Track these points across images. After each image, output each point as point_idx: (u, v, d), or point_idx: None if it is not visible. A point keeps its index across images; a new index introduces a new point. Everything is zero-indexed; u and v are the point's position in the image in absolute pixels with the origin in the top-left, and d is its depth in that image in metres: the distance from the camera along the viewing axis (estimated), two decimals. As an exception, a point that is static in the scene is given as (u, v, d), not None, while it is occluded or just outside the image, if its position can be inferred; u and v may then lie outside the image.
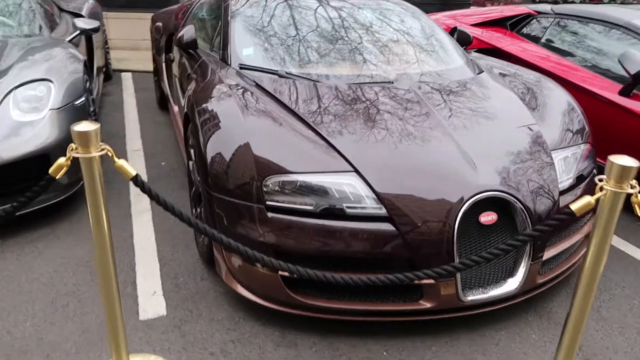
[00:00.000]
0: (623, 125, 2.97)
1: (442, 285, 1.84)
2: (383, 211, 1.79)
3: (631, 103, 2.96)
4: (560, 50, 3.65)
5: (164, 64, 3.99)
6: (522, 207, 1.87)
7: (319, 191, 1.81)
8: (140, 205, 2.83)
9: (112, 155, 1.35)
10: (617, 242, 2.75)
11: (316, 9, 2.92)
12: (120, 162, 1.37)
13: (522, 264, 1.94)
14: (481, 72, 2.72)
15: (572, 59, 3.51)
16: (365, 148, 1.93)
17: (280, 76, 2.37)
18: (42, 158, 2.46)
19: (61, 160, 1.32)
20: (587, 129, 2.41)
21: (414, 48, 2.80)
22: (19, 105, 2.52)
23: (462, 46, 3.24)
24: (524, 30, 4.06)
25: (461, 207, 1.80)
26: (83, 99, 2.76)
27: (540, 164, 2.05)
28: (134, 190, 2.99)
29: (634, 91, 2.96)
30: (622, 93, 3.01)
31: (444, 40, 3.00)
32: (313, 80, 2.34)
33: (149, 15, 5.19)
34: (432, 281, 1.82)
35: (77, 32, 3.59)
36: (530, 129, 2.22)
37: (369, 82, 2.38)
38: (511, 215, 1.89)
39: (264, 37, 2.69)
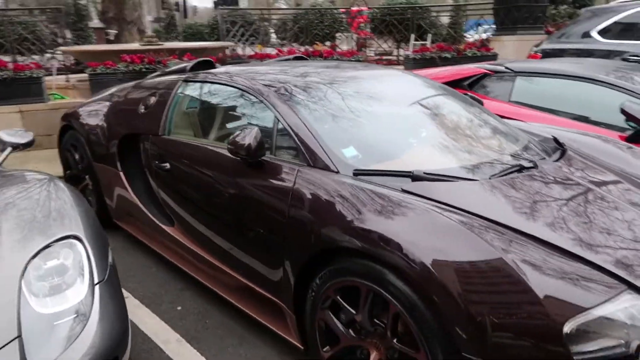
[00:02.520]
0: None
1: None
2: None
3: (642, 148, 3.20)
4: (536, 105, 3.84)
5: (125, 176, 3.12)
6: None
7: (619, 325, 1.44)
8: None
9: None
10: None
11: (384, 90, 2.55)
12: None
13: None
14: (555, 138, 2.64)
15: (555, 112, 3.72)
16: (616, 250, 1.63)
17: (415, 178, 1.91)
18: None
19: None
20: None
21: (485, 127, 2.59)
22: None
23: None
24: (484, 90, 4.21)
25: None
26: None
27: None
28: None
29: (642, 137, 3.21)
30: (629, 139, 3.23)
31: (489, 114, 2.87)
32: (458, 178, 1.94)
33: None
34: None
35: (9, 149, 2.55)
36: None
37: (509, 171, 2.07)
38: None
39: (350, 130, 2.23)
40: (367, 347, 1.76)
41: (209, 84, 2.80)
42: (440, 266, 1.49)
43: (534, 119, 3.68)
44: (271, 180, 2.08)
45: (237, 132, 2.12)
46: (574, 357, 1.37)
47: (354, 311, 1.76)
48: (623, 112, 3.24)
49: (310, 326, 1.93)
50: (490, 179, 1.99)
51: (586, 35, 5.91)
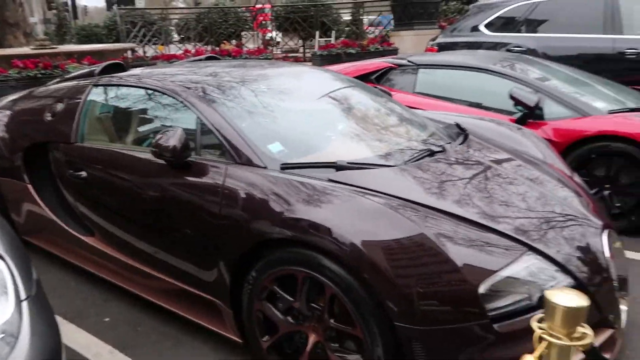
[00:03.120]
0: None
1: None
2: (570, 280, 1.76)
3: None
4: (439, 95, 4.15)
5: (34, 189, 2.95)
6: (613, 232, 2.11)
7: (522, 282, 1.66)
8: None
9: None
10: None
11: (302, 85, 2.65)
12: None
13: None
14: (458, 124, 2.90)
15: (455, 100, 4.05)
16: (513, 219, 1.87)
17: (339, 168, 2.04)
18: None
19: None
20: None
21: (406, 116, 2.79)
22: None
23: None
24: (390, 83, 4.46)
25: (604, 250, 1.92)
26: None
27: (588, 194, 2.35)
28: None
29: (528, 120, 3.61)
30: (518, 122, 3.62)
31: (398, 104, 3.08)
32: (377, 165, 2.10)
33: None
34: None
35: None
36: (558, 168, 2.51)
37: (421, 156, 2.26)
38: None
39: (274, 125, 2.31)
40: (305, 331, 1.86)
41: (123, 88, 2.73)
42: (368, 246, 1.62)
43: (436, 108, 3.98)
44: (199, 181, 2.10)
45: (160, 135, 2.11)
46: (489, 314, 1.56)
47: (291, 298, 1.84)
48: (512, 97, 3.62)
49: (248, 319, 1.98)
50: (405, 164, 2.16)
51: (475, 29, 6.44)
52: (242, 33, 10.30)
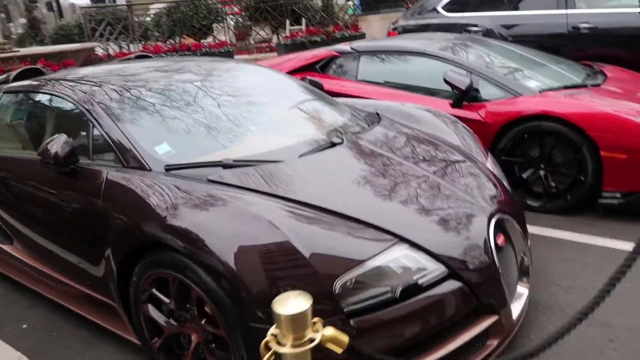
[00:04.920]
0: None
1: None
2: (444, 269, 1.75)
3: (464, 112, 3.56)
4: (380, 82, 4.12)
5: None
6: (510, 218, 2.09)
7: (387, 275, 1.65)
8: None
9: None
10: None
11: (199, 81, 2.61)
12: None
13: None
14: (374, 116, 2.87)
15: (395, 86, 4.01)
16: (389, 211, 1.86)
17: (226, 166, 2.03)
18: None
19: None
20: (473, 133, 2.84)
21: (312, 106, 2.77)
22: None
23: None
24: (334, 71, 4.43)
25: (489, 237, 1.91)
26: None
27: (494, 178, 2.32)
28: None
29: (464, 102, 3.58)
30: (454, 105, 3.59)
31: (320, 93, 3.05)
32: (266, 162, 2.08)
33: None
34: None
35: None
36: (468, 154, 2.48)
37: (318, 148, 2.25)
38: (505, 231, 2.09)
39: (165, 126, 2.27)
40: (188, 332, 1.86)
41: (31, 94, 2.72)
42: (225, 249, 1.61)
43: (378, 95, 3.95)
44: (83, 186, 2.10)
45: (46, 142, 2.10)
46: (345, 309, 1.56)
47: (168, 300, 1.84)
48: (445, 80, 3.59)
49: (137, 320, 1.99)
50: (298, 158, 2.15)
51: (433, 10, 6.36)
52: (213, 25, 10.23)
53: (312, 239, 1.64)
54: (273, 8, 9.77)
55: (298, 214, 1.74)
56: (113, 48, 8.73)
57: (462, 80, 3.49)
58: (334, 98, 3.42)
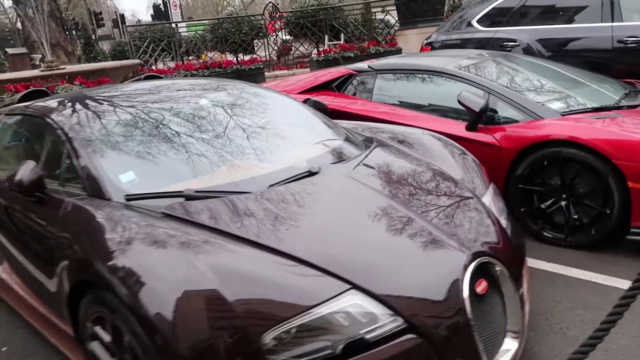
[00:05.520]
0: (477, 155, 3.28)
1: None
2: (400, 321, 1.56)
3: (479, 135, 3.31)
4: (395, 102, 3.93)
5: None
6: (499, 262, 1.86)
7: (329, 328, 1.48)
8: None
9: None
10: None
11: (171, 106, 2.53)
12: None
13: None
14: (370, 141, 2.69)
15: (410, 107, 3.81)
16: (348, 254, 1.68)
17: (188, 198, 1.93)
18: None
19: None
20: (480, 164, 2.59)
21: (299, 131, 2.64)
22: None
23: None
24: (351, 90, 4.28)
25: (463, 285, 1.69)
26: None
27: (486, 216, 2.09)
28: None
29: (479, 125, 3.33)
30: (469, 128, 3.35)
31: (314, 115, 2.91)
32: (231, 193, 1.97)
33: None
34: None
35: None
36: (458, 185, 2.26)
37: (292, 178, 2.11)
38: (490, 276, 1.85)
39: (136, 153, 2.21)
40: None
41: (26, 117, 2.75)
42: (155, 296, 1.49)
43: (391, 116, 3.76)
44: (45, 215, 2.07)
45: (16, 168, 2.09)
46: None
47: (108, 338, 1.75)
48: (459, 102, 3.35)
49: (86, 356, 1.92)
50: (268, 188, 2.02)
51: (469, 24, 6.08)
52: (255, 41, 10.34)
53: (248, 286, 1.50)
54: (313, 24, 9.75)
55: (242, 256, 1.61)
56: (157, 65, 9.00)
57: (476, 101, 3.24)
58: (339, 121, 3.28)
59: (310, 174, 2.14)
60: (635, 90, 3.79)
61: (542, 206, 3.14)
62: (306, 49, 10.25)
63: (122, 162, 2.15)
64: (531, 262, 2.95)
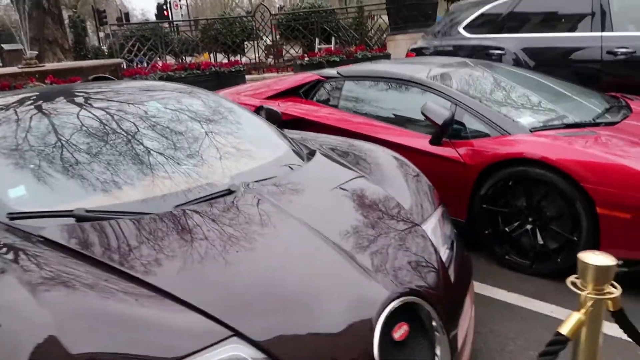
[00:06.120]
0: (440, 171, 3.07)
1: None
2: None
3: (443, 150, 3.07)
4: (361, 111, 3.69)
5: None
6: (427, 302, 1.62)
7: None
8: None
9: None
10: (480, 287, 2.74)
11: (79, 112, 2.29)
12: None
13: None
14: (312, 153, 2.46)
15: (375, 117, 3.57)
16: (237, 293, 1.45)
17: (79, 219, 1.70)
18: None
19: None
20: (434, 189, 2.35)
21: (229, 141, 2.40)
22: None
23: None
24: (318, 97, 4.05)
25: (374, 331, 1.45)
26: None
27: (422, 247, 1.85)
28: None
29: (443, 139, 3.08)
30: (432, 142, 3.11)
31: (256, 124, 2.68)
32: (125, 213, 1.74)
33: None
34: None
35: None
36: (398, 211, 2.01)
37: (204, 198, 1.87)
38: (417, 317, 1.61)
39: (32, 166, 1.97)
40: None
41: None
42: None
43: (355, 126, 3.54)
44: None
45: None
46: None
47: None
48: (422, 114, 3.12)
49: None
50: (173, 209, 1.79)
51: (455, 31, 5.84)
52: (245, 43, 10.12)
53: (103, 333, 1.27)
54: (304, 26, 9.53)
55: (103, 295, 1.37)
56: (133, 64, 8.78)
57: (440, 113, 3.00)
58: (292, 131, 3.04)
59: (228, 193, 1.91)
60: (619, 106, 3.54)
61: (507, 229, 2.90)
62: (296, 52, 10.03)
63: (13, 175, 1.92)
64: (490, 290, 2.72)
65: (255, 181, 2.02)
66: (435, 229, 2.05)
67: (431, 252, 1.85)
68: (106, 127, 2.19)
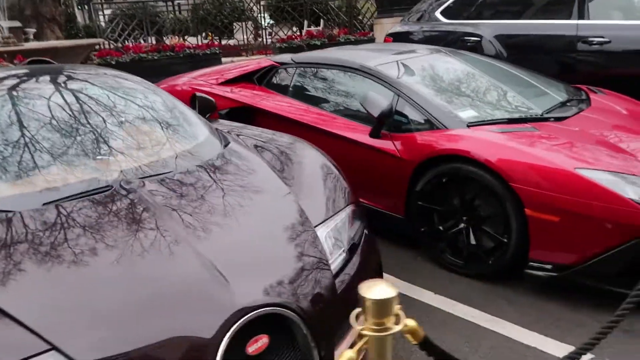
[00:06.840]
0: (378, 164, 2.96)
1: None
2: None
3: (381, 143, 2.95)
4: (309, 100, 3.56)
5: None
6: (295, 314, 1.51)
7: None
8: None
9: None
10: (406, 288, 2.64)
11: None
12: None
13: None
14: (227, 144, 2.34)
15: (322, 106, 3.44)
16: (65, 310, 1.35)
17: None
18: None
19: None
20: (347, 187, 2.22)
21: (129, 130, 2.27)
22: None
23: (206, 114, 2.87)
24: (272, 83, 3.91)
25: (219, 347, 1.36)
26: None
27: (308, 253, 1.73)
28: None
29: (382, 131, 2.95)
30: (372, 135, 2.98)
31: (176, 114, 2.56)
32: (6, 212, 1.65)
33: None
34: None
35: None
36: (294, 213, 1.90)
37: (76, 196, 1.78)
38: (285, 328, 1.52)
39: None
40: None
41: None
42: None
43: (301, 115, 3.41)
44: None
45: None
46: None
47: None
48: (361, 104, 2.99)
49: None
50: (42, 206, 1.70)
51: (432, 16, 5.63)
52: (234, 24, 9.92)
53: None
54: (293, 8, 9.30)
55: None
56: (116, 45, 8.59)
57: (378, 104, 2.86)
58: (221, 122, 2.93)
59: (105, 190, 1.81)
60: (578, 99, 3.37)
61: (442, 227, 2.78)
62: (285, 34, 9.82)
63: None
64: (416, 292, 2.62)
65: (144, 177, 1.92)
66: (333, 231, 1.94)
67: (316, 259, 1.74)
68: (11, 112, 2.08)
